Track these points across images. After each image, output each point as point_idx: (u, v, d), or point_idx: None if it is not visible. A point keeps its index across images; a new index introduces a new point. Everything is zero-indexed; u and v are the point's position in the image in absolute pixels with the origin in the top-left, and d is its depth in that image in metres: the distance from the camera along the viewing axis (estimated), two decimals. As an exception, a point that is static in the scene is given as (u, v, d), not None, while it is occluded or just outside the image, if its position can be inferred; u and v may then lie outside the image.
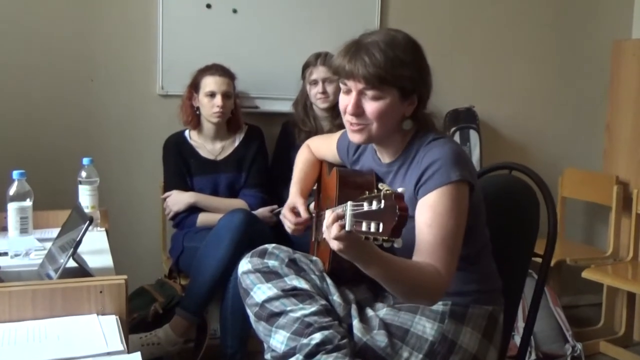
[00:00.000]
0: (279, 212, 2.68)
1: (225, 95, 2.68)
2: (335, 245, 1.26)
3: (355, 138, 1.58)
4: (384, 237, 1.13)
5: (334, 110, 2.81)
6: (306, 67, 2.86)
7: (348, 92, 1.54)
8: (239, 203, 2.69)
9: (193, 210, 2.68)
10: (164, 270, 2.81)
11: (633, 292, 3.06)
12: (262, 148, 2.85)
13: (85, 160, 2.03)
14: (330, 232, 1.25)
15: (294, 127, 2.89)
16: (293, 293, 1.55)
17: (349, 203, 1.22)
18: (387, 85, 1.49)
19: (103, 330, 1.25)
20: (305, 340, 1.47)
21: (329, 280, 1.62)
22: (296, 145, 2.60)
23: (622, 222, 3.24)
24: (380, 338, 1.52)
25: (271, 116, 3.05)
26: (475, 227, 1.56)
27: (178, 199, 2.68)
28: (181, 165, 2.73)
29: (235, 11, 2.99)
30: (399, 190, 1.15)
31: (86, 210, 1.93)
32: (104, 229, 2.05)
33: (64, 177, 2.46)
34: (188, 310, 2.42)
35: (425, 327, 1.54)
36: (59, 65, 2.81)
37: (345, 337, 1.49)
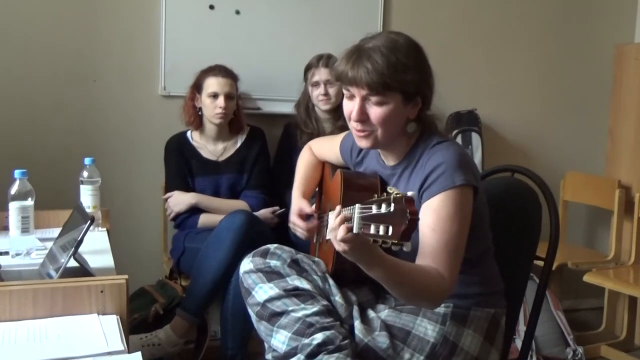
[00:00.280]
0: (281, 214, 2.70)
1: (228, 97, 2.68)
2: (340, 247, 1.26)
3: (362, 143, 1.58)
4: (394, 241, 1.13)
5: (335, 112, 2.81)
6: (308, 69, 2.86)
7: (351, 97, 1.54)
8: (240, 204, 2.69)
9: (194, 211, 2.68)
10: (165, 271, 2.81)
11: (634, 296, 3.06)
12: (264, 149, 2.85)
13: (87, 160, 2.03)
14: (336, 233, 1.25)
15: (296, 129, 2.89)
16: (295, 293, 1.55)
17: (357, 205, 1.22)
18: (391, 91, 1.49)
19: (104, 330, 1.25)
20: (306, 341, 1.46)
21: (331, 281, 1.62)
22: (298, 147, 2.60)
23: (624, 226, 3.23)
24: (381, 339, 1.51)
25: (273, 118, 3.05)
26: (478, 230, 1.56)
27: (179, 200, 2.68)
28: (183, 165, 2.73)
29: (238, 12, 2.99)
30: (409, 193, 1.14)
31: (87, 210, 1.93)
32: (105, 229, 2.05)
33: (65, 177, 2.45)
34: (189, 311, 2.41)
35: (426, 328, 1.54)
36: (61, 65, 2.81)
37: (346, 337, 1.48)
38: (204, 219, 2.67)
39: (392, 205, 1.13)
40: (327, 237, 1.60)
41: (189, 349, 2.55)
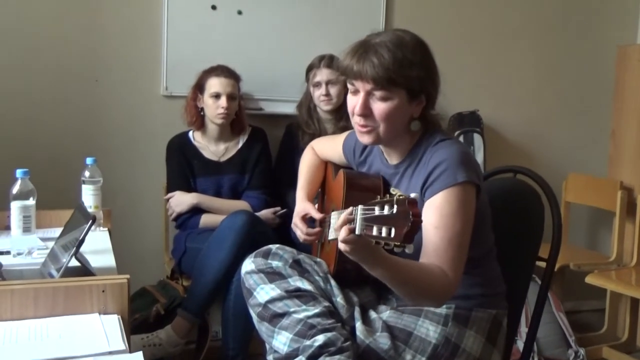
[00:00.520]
0: (283, 214, 2.70)
1: (230, 97, 2.68)
2: (342, 247, 1.26)
3: (364, 139, 1.58)
4: (396, 243, 1.12)
5: (337, 112, 2.81)
6: (310, 69, 2.86)
7: (356, 92, 1.54)
8: (242, 204, 2.69)
9: (196, 211, 2.68)
10: (166, 271, 2.81)
11: (636, 297, 3.05)
12: (266, 150, 2.85)
13: (89, 160, 2.03)
14: (339, 234, 1.25)
15: (298, 130, 2.89)
16: (296, 294, 1.54)
17: (360, 207, 1.21)
18: (396, 86, 1.49)
19: (105, 330, 1.25)
20: (308, 342, 1.46)
21: (332, 282, 1.62)
22: (300, 147, 2.60)
23: (626, 227, 3.23)
24: (383, 340, 1.51)
25: (275, 118, 3.05)
26: (481, 231, 1.56)
27: (181, 200, 2.68)
28: (184, 166, 2.73)
29: (240, 13, 2.99)
30: (412, 195, 1.14)
31: (89, 210, 1.93)
32: (106, 228, 2.05)
33: (67, 177, 2.46)
34: (190, 311, 2.41)
35: (428, 330, 1.53)
36: (63, 65, 2.81)
37: (348, 339, 1.48)
38: (205, 220, 2.67)
39: (395, 207, 1.12)
40: (330, 238, 1.60)
41: (190, 350, 2.55)
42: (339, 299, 1.58)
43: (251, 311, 1.61)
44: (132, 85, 2.91)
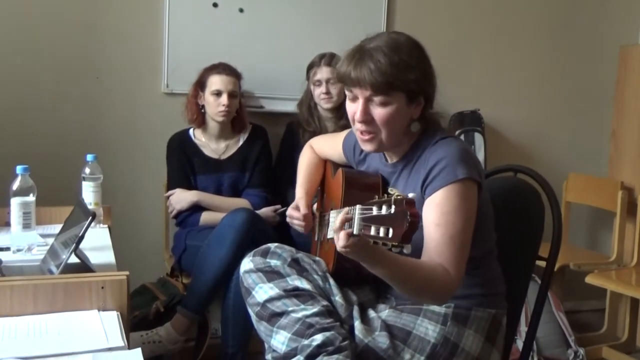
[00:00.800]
0: (283, 212, 2.69)
1: (231, 95, 2.68)
2: (342, 252, 1.26)
3: (367, 147, 1.58)
4: (394, 243, 1.12)
5: (338, 110, 2.81)
6: (310, 67, 2.86)
7: (354, 99, 1.53)
8: (242, 202, 2.69)
9: (196, 209, 2.68)
10: (166, 269, 2.81)
11: (636, 297, 3.05)
12: (266, 148, 2.85)
13: (89, 157, 2.03)
14: (337, 235, 1.25)
15: (299, 128, 2.89)
16: (295, 293, 1.54)
17: (358, 206, 1.21)
18: (394, 90, 1.48)
19: (104, 326, 1.25)
20: (306, 342, 1.46)
21: (331, 281, 1.62)
22: (300, 145, 2.58)
23: (627, 227, 3.22)
24: (382, 340, 1.51)
25: (276, 116, 3.05)
26: (482, 230, 1.55)
27: (181, 198, 2.68)
28: (185, 163, 2.73)
29: (241, 10, 2.99)
30: (410, 195, 1.14)
31: (89, 207, 1.93)
32: (106, 225, 2.05)
33: (67, 174, 2.46)
34: (189, 308, 2.41)
35: (427, 329, 1.53)
36: (64, 62, 2.81)
37: (346, 338, 1.48)
38: (205, 217, 2.67)
39: (393, 207, 1.12)
40: (329, 237, 1.59)
41: (189, 347, 2.55)
42: (338, 298, 1.58)
43: (250, 310, 1.61)
44: (133, 83, 2.91)
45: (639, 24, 3.63)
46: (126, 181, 2.90)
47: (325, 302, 1.54)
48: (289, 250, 1.66)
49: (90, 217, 1.49)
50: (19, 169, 1.81)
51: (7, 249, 1.75)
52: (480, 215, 1.52)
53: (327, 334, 1.46)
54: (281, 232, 2.59)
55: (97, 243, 1.82)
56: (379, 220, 1.14)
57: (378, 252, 1.30)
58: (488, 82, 3.44)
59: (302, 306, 1.51)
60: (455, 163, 1.47)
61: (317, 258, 1.70)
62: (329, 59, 2.78)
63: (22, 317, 1.28)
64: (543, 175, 1.87)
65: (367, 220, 1.17)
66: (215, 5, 2.95)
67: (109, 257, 1.71)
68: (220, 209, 2.63)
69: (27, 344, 1.18)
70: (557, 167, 3.46)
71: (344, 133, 1.87)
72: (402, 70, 1.47)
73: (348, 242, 1.23)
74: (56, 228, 1.79)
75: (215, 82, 2.67)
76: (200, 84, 2.72)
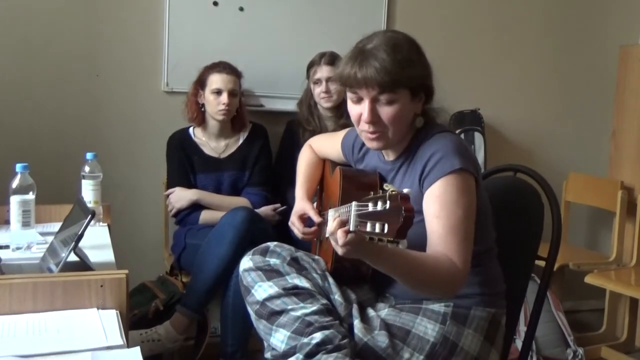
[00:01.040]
0: (282, 211, 2.70)
1: (232, 93, 2.68)
2: (340, 250, 1.26)
3: (374, 145, 1.58)
4: (389, 238, 1.12)
5: (338, 109, 2.81)
6: (310, 66, 2.86)
7: (359, 101, 1.53)
8: (242, 201, 2.69)
9: (196, 207, 2.68)
10: (166, 267, 2.81)
11: (636, 297, 3.05)
12: (266, 147, 2.85)
13: (89, 155, 2.03)
14: (335, 238, 1.25)
15: (299, 127, 2.89)
16: (294, 292, 1.54)
17: (354, 203, 1.22)
18: (400, 87, 1.49)
19: (103, 324, 1.25)
20: (305, 340, 1.46)
21: (330, 280, 1.62)
22: (300, 144, 2.58)
23: (626, 227, 3.22)
24: (381, 338, 1.51)
25: (276, 115, 3.05)
26: (481, 228, 1.55)
27: (181, 196, 2.68)
28: (185, 162, 2.73)
29: (241, 9, 2.98)
30: (405, 191, 1.14)
31: (89, 205, 1.93)
32: (106, 224, 2.05)
33: (67, 172, 2.46)
34: (189, 307, 2.41)
35: (426, 328, 1.53)
36: (64, 60, 2.81)
37: (345, 337, 1.48)
38: (205, 216, 2.67)
39: (388, 202, 1.12)
40: (327, 236, 1.59)
41: (188, 345, 2.55)
42: (337, 297, 1.58)
43: (249, 309, 1.61)
44: (133, 81, 2.91)
45: (639, 24, 3.63)
46: (126, 179, 2.90)
47: (324, 301, 1.54)
48: (289, 249, 1.67)
49: (90, 216, 1.49)
50: (18, 167, 1.81)
51: (7, 247, 1.74)
52: (479, 212, 1.52)
53: (327, 332, 1.46)
54: (281, 230, 2.59)
55: (97, 241, 1.82)
56: (374, 216, 1.15)
57: (377, 248, 1.29)
58: (488, 82, 3.44)
59: (302, 304, 1.52)
60: (450, 154, 1.48)
61: (317, 257, 1.70)
62: (329, 57, 2.78)
63: (21, 315, 1.27)
64: (543, 174, 1.87)
65: (363, 217, 1.17)
66: (215, 3, 2.95)
67: (108, 255, 1.71)
68: (220, 208, 2.63)
69: (26, 342, 1.18)
70: (557, 166, 3.46)
71: (343, 132, 1.87)
72: (405, 67, 1.48)
73: (346, 240, 1.23)
74: (55, 226, 1.79)
75: (216, 80, 2.67)
76: (200, 83, 2.72)
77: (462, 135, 3.21)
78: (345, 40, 1.61)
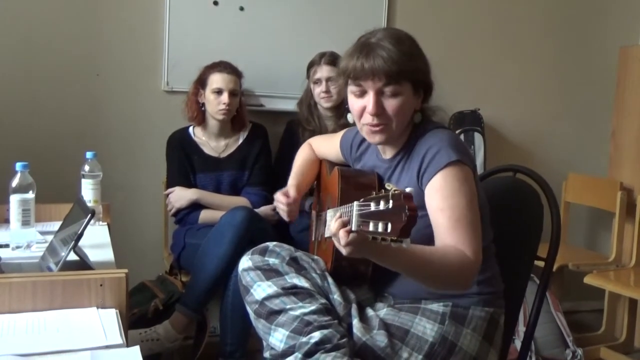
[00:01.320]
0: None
1: (232, 93, 2.68)
2: (343, 250, 1.26)
3: (376, 138, 1.58)
4: (393, 237, 1.13)
5: (338, 109, 2.81)
6: (311, 66, 2.86)
7: (362, 94, 1.54)
8: (241, 201, 2.69)
9: (195, 207, 2.68)
10: (165, 267, 2.81)
11: (635, 298, 3.05)
12: (266, 146, 2.85)
13: (89, 154, 2.03)
14: (338, 239, 1.25)
15: (298, 126, 2.89)
16: (293, 291, 1.54)
17: (355, 203, 1.22)
18: (405, 80, 1.51)
19: (102, 324, 1.25)
20: (304, 339, 1.46)
21: (330, 279, 1.62)
22: (300, 144, 2.58)
23: (626, 228, 3.23)
24: (380, 338, 1.51)
25: (276, 114, 3.05)
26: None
27: (181, 196, 2.68)
28: (184, 161, 2.73)
29: (242, 9, 2.99)
30: (407, 190, 1.14)
31: (88, 204, 1.93)
32: (106, 223, 2.05)
33: (67, 171, 2.45)
34: (188, 307, 2.41)
35: (425, 327, 1.53)
36: (64, 59, 2.81)
37: (344, 336, 1.48)
38: (204, 215, 2.67)
39: (391, 201, 1.13)
40: (327, 235, 1.60)
41: (188, 345, 2.55)
42: (336, 297, 1.58)
43: (248, 308, 1.61)
44: (133, 80, 2.91)
45: (639, 25, 3.63)
46: (125, 179, 2.90)
47: (323, 300, 1.54)
48: (288, 248, 1.67)
49: (90, 215, 1.49)
50: (18, 165, 1.81)
51: (6, 246, 1.75)
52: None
53: (325, 331, 1.46)
54: (280, 230, 2.59)
55: (96, 240, 1.82)
56: (377, 216, 1.15)
57: (380, 247, 1.29)
58: (488, 82, 3.44)
59: (300, 304, 1.52)
60: (446, 147, 1.50)
61: (316, 257, 1.70)
62: (329, 57, 2.78)
63: (20, 314, 1.27)
64: (542, 175, 1.87)
65: (365, 217, 1.17)
66: (215, 3, 2.95)
67: (108, 254, 1.71)
68: (220, 207, 2.63)
69: (25, 341, 1.18)
70: (556, 167, 3.46)
71: (342, 133, 1.88)
72: (410, 59, 1.51)
73: (348, 239, 1.23)
74: (55, 225, 1.79)
75: (217, 80, 2.67)
76: (201, 82, 2.72)
77: (462, 136, 3.21)
78: (345, 40, 1.62)
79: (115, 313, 1.30)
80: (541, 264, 1.81)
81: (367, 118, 1.54)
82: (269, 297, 1.55)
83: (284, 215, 1.81)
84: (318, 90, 2.82)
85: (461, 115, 3.25)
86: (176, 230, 2.77)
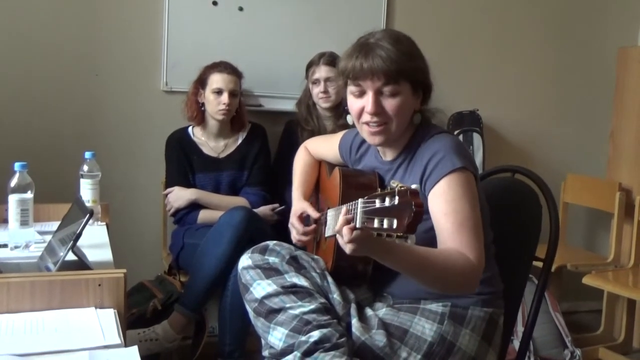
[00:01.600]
0: (281, 211, 2.70)
1: (232, 94, 2.68)
2: (347, 248, 1.26)
3: (376, 139, 1.58)
4: (398, 234, 1.13)
5: (336, 110, 2.81)
6: (309, 66, 2.86)
7: (361, 94, 1.54)
8: (240, 201, 2.69)
9: (194, 207, 2.68)
10: (164, 267, 2.81)
11: (633, 299, 3.05)
12: (265, 146, 2.85)
13: (88, 154, 2.03)
14: (342, 236, 1.25)
15: (297, 127, 2.89)
16: (292, 290, 1.54)
17: (360, 200, 1.22)
18: (404, 79, 1.52)
19: (101, 324, 1.25)
20: (303, 338, 1.46)
21: (329, 279, 1.62)
22: (299, 144, 2.58)
23: (624, 228, 3.23)
24: (379, 337, 1.51)
25: (275, 115, 3.05)
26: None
27: (179, 196, 2.68)
28: (183, 161, 2.73)
29: (241, 9, 2.99)
30: (413, 186, 1.14)
31: (87, 204, 1.93)
32: (104, 223, 2.05)
33: (65, 171, 2.45)
34: (187, 307, 2.41)
35: (424, 327, 1.53)
36: (63, 59, 2.81)
37: (343, 335, 1.48)
38: (203, 215, 2.67)
39: (397, 198, 1.13)
40: (327, 235, 1.60)
41: (186, 345, 2.55)
42: (336, 296, 1.58)
43: (247, 307, 1.61)
44: (132, 80, 2.91)
45: (638, 25, 3.63)
46: (124, 179, 2.90)
47: (322, 300, 1.54)
48: (288, 247, 1.67)
49: (88, 215, 1.49)
50: (17, 165, 1.81)
51: (5, 245, 1.74)
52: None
53: (324, 330, 1.46)
54: (279, 230, 2.59)
55: (95, 240, 1.82)
56: (382, 212, 1.15)
57: (385, 244, 1.29)
58: (487, 83, 3.44)
59: (300, 303, 1.52)
60: (451, 154, 1.50)
61: (316, 256, 1.70)
62: (328, 58, 2.78)
63: (19, 314, 1.27)
64: (541, 175, 1.87)
65: (370, 213, 1.17)
66: (214, 3, 2.95)
67: (106, 254, 1.71)
68: (218, 207, 2.63)
69: (23, 341, 1.18)
70: (555, 167, 3.46)
71: (340, 134, 1.88)
72: (409, 59, 1.51)
73: (352, 236, 1.23)
74: (54, 225, 1.79)
75: (217, 80, 2.67)
76: (201, 82, 2.72)
77: (461, 136, 3.21)
78: (345, 40, 1.62)
79: (114, 313, 1.30)
80: (540, 264, 1.81)
81: (366, 117, 1.54)
82: (268, 296, 1.55)
83: (294, 241, 1.77)
84: (316, 91, 2.82)
85: (460, 115, 3.25)
86: (175, 230, 2.77)
